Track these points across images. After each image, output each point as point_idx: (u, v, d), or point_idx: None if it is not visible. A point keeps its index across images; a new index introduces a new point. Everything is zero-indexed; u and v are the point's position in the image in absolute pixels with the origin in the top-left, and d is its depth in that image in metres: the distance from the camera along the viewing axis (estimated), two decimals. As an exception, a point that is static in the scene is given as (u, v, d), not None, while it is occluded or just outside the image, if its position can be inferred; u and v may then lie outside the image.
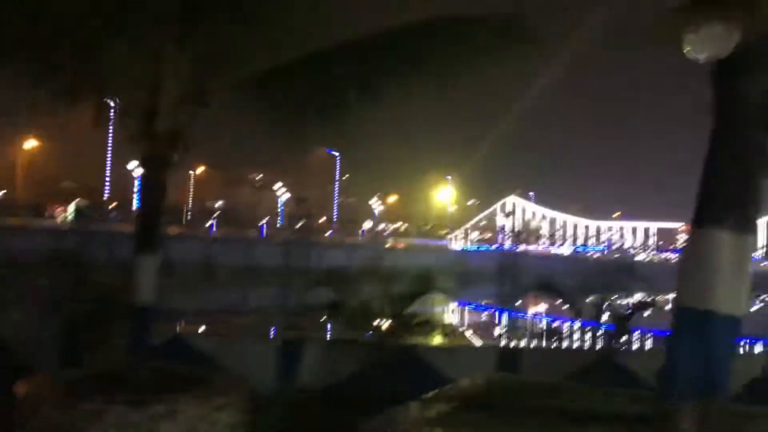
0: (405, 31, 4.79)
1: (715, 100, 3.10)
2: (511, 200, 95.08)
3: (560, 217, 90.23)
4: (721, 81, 3.06)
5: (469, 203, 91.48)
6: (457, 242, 65.42)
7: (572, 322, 9.94)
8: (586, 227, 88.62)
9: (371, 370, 7.01)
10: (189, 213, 60.99)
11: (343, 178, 74.81)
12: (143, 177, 4.97)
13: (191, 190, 67.56)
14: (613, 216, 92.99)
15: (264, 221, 57.30)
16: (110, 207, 51.44)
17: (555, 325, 11.49)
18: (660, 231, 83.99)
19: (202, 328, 13.00)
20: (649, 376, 8.27)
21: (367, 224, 70.31)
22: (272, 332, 10.42)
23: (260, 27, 4.80)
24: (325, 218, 67.64)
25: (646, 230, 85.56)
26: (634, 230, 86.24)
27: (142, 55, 4.59)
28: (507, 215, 71.21)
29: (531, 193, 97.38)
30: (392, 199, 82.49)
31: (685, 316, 2.98)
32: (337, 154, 66.50)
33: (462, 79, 4.96)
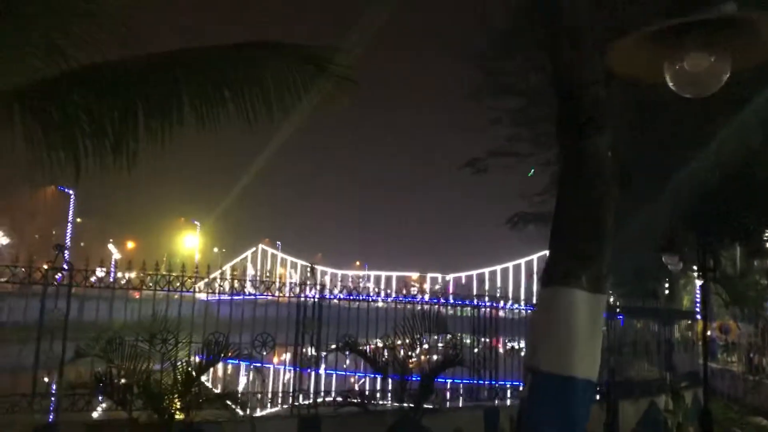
0: (167, 58, 4.02)
1: (564, 157, 3.04)
2: (260, 248, 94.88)
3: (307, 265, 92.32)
4: (570, 137, 3.01)
5: (215, 251, 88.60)
6: (204, 292, 62.16)
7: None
8: (333, 275, 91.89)
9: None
10: None
11: (78, 221, 67.04)
12: None
13: None
14: (355, 265, 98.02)
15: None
16: None
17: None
18: (398, 279, 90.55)
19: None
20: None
21: (100, 272, 63.60)
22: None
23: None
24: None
25: (388, 279, 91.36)
26: (378, 279, 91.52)
27: None
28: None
29: (278, 243, 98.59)
30: (131, 245, 76.29)
31: (544, 381, 2.79)
32: (71, 192, 59.43)
33: (230, 116, 4.31)
